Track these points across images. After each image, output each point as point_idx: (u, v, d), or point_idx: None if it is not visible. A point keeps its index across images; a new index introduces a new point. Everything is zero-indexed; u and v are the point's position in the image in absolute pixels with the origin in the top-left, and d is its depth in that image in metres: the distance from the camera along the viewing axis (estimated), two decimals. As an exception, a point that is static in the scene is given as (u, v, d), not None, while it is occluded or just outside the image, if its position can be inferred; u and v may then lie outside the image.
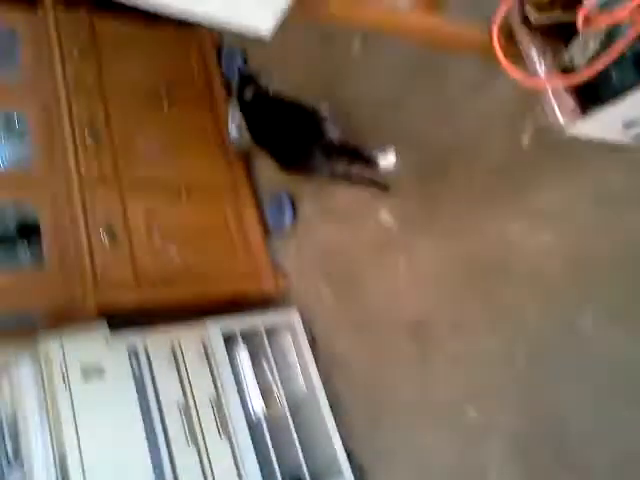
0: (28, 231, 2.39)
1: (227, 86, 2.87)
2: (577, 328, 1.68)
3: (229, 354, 2.30)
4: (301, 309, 2.56)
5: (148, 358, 2.16)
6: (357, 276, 2.39)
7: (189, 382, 2.19)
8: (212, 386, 2.22)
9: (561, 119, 1.15)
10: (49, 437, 1.94)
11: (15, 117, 2.55)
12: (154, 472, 2.00)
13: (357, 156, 2.27)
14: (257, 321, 2.46)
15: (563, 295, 1.72)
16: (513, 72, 1.12)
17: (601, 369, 1.63)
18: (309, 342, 2.48)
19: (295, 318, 2.53)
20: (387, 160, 2.25)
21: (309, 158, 2.24)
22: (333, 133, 2.29)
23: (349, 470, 2.28)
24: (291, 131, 2.29)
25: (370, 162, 2.26)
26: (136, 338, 2.18)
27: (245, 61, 2.95)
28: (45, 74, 2.54)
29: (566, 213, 1.72)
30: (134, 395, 2.08)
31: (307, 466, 2.27)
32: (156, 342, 2.21)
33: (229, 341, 2.35)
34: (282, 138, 2.32)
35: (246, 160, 2.81)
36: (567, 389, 1.71)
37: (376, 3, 1.07)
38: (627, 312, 1.59)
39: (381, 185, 2.29)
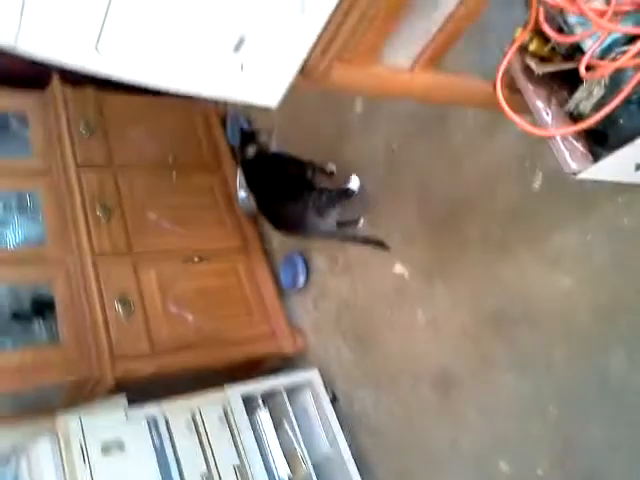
0: (43, 307, 2.40)
1: (233, 152, 2.91)
2: (608, 372, 1.63)
3: (250, 416, 2.25)
4: (320, 366, 2.52)
5: (168, 428, 2.12)
6: (375, 330, 2.36)
7: (211, 450, 2.13)
8: (235, 453, 2.16)
9: (572, 165, 1.15)
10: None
11: (27, 196, 2.59)
12: None
13: (338, 195, 2.33)
14: (276, 382, 2.42)
15: (590, 338, 1.68)
16: (520, 123, 1.13)
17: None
18: (331, 400, 2.43)
19: (315, 376, 2.48)
20: (354, 183, 2.37)
21: (301, 211, 2.26)
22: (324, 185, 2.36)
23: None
24: (283, 185, 2.32)
25: (348, 195, 2.36)
26: (155, 409, 2.14)
27: (249, 123, 2.99)
28: (55, 152, 2.59)
29: (583, 255, 1.70)
30: (155, 467, 2.03)
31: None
32: (175, 411, 2.17)
33: (249, 402, 2.30)
34: (275, 195, 2.34)
35: (256, 221, 2.82)
36: (604, 437, 1.64)
37: (377, 66, 1.09)
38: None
39: (378, 243, 2.28)
